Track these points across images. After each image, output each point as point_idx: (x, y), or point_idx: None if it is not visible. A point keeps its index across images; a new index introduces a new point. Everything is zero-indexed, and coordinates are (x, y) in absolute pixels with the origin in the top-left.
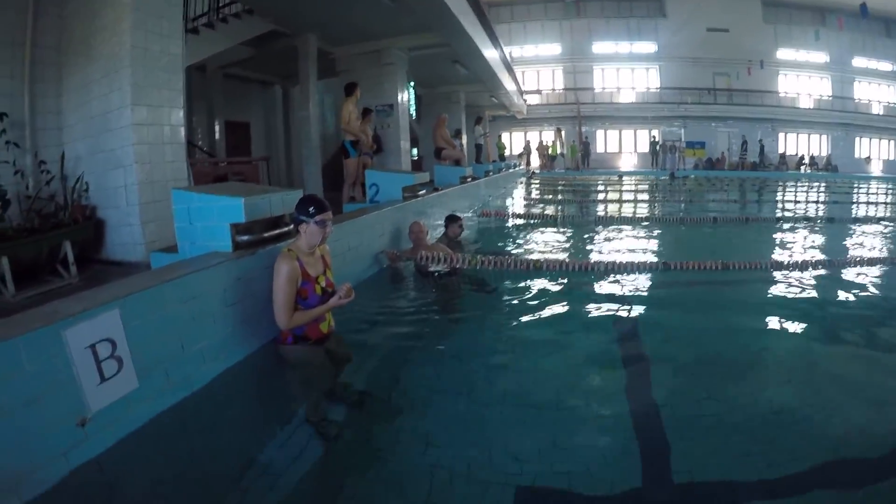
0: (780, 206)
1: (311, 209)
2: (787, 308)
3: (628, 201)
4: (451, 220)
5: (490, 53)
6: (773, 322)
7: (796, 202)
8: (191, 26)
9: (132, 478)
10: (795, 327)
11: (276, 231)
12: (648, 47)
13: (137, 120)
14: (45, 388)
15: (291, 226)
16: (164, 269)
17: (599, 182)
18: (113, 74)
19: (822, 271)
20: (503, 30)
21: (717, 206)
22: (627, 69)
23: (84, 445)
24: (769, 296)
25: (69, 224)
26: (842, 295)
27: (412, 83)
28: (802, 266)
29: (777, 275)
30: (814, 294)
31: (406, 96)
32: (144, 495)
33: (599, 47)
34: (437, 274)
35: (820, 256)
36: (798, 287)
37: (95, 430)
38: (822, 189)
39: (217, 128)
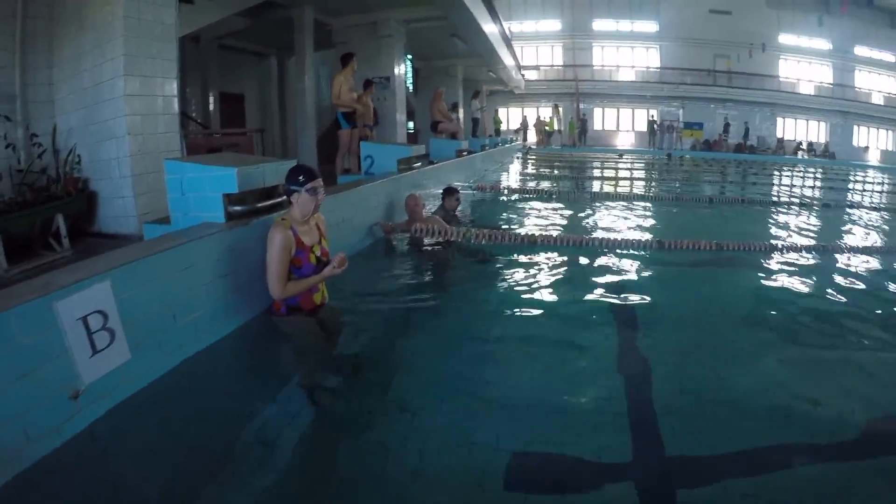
0: (774, 189)
1: (300, 178)
2: (780, 289)
3: (624, 179)
4: (449, 192)
5: (489, 28)
6: (764, 302)
7: (791, 186)
8: None
9: (125, 446)
10: (787, 308)
11: (270, 202)
12: (649, 26)
13: (130, 91)
14: (37, 362)
15: (284, 196)
16: (155, 240)
17: (596, 159)
18: (105, 44)
19: (815, 255)
20: (503, 4)
21: (713, 186)
22: (627, 48)
23: (77, 417)
24: (761, 277)
25: (61, 197)
26: (834, 279)
27: (409, 56)
28: (795, 249)
29: (770, 257)
30: (805, 277)
31: (403, 69)
32: (137, 462)
33: (600, 24)
34: (431, 246)
35: (813, 241)
36: (791, 269)
37: (88, 401)
38: (818, 175)
39: (211, 99)
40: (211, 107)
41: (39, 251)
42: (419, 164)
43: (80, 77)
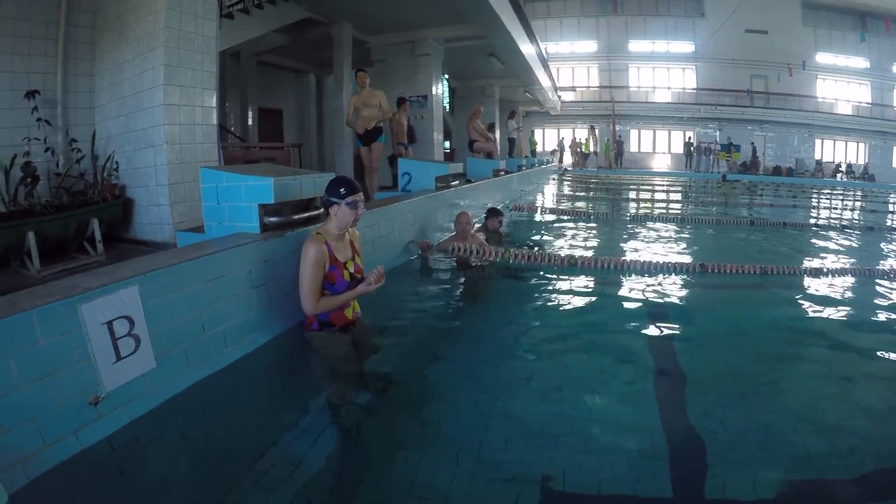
0: (816, 212)
1: (342, 190)
2: (827, 316)
3: (668, 202)
4: (493, 213)
5: (526, 48)
6: (811, 330)
7: (832, 209)
8: (226, 11)
9: (145, 458)
10: (834, 337)
11: (306, 214)
12: (685, 47)
13: (169, 100)
14: (58, 364)
15: (322, 209)
16: (187, 247)
17: (636, 183)
18: (146, 54)
19: (861, 280)
20: (539, 25)
21: (757, 209)
22: (663, 68)
23: (96, 424)
24: (808, 303)
25: (98, 202)
26: (884, 305)
27: (446, 76)
28: (842, 273)
29: (816, 282)
30: (852, 303)
31: (440, 88)
32: (157, 475)
33: (636, 45)
34: (469, 266)
35: (859, 265)
36: (838, 295)
37: (109, 408)
38: (859, 197)
39: (250, 114)
40: (250, 121)
41: (73, 254)
42: (457, 182)
43: (120, 85)
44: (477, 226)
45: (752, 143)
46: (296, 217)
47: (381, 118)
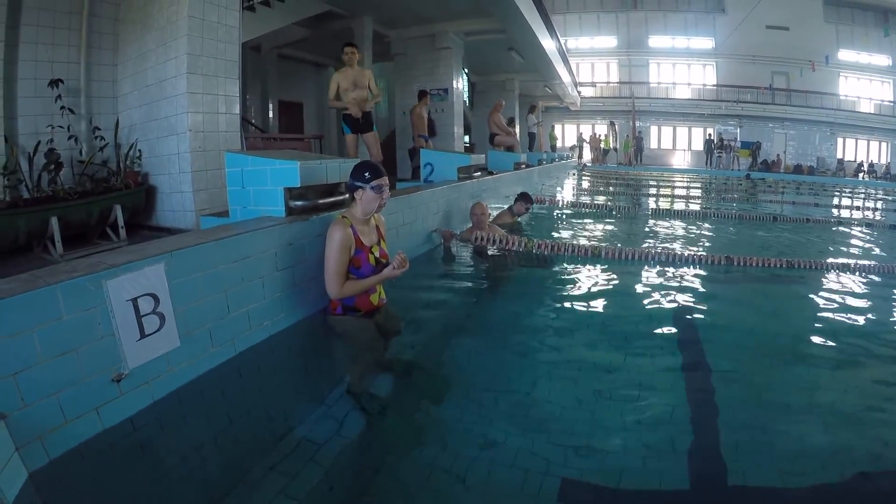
0: (838, 210)
1: (367, 174)
2: (858, 312)
3: (690, 198)
4: (523, 197)
5: (546, 42)
6: (840, 326)
7: (854, 207)
8: (247, 4)
9: (166, 439)
10: (864, 334)
11: (331, 199)
12: (706, 42)
13: (192, 89)
14: (81, 340)
15: (347, 194)
16: (214, 228)
17: (657, 179)
18: (170, 43)
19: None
20: (558, 20)
21: (778, 206)
22: (684, 64)
23: (119, 402)
24: (837, 298)
25: (121, 189)
26: None
27: (466, 70)
28: (870, 271)
29: (844, 277)
30: (885, 301)
31: (461, 82)
32: (178, 456)
33: (656, 41)
34: (491, 254)
35: (888, 263)
36: (868, 292)
37: (132, 386)
38: (882, 196)
39: (271, 106)
40: (270, 113)
41: (96, 241)
42: (478, 173)
43: (143, 74)
44: (494, 214)
45: (758, 142)
46: (321, 202)
47: (372, 101)
